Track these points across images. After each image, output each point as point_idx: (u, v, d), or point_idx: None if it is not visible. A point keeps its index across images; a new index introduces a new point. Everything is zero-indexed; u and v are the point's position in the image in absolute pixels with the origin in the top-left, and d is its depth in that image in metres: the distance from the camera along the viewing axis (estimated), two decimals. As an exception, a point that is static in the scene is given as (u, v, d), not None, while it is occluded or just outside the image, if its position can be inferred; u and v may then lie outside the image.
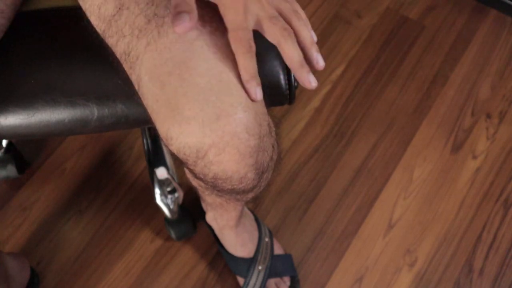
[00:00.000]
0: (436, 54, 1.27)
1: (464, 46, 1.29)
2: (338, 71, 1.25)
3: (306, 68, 0.50)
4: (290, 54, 0.50)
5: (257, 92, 0.50)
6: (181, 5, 0.46)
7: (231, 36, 0.50)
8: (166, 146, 0.53)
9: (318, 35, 1.30)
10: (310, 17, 1.32)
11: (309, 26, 0.53)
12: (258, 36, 0.51)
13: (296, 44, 0.50)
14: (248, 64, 0.49)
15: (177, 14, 0.46)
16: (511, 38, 1.30)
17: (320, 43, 1.28)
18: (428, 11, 1.33)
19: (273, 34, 0.50)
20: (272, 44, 0.52)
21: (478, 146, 1.17)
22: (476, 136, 1.18)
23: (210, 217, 0.99)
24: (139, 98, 0.54)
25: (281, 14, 0.51)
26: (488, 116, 1.20)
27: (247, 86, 0.50)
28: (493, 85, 1.24)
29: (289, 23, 0.51)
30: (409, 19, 1.32)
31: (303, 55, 0.51)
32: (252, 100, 0.50)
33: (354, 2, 1.34)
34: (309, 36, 0.52)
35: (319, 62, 0.52)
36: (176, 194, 1.01)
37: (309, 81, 0.50)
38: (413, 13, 1.33)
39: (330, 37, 1.29)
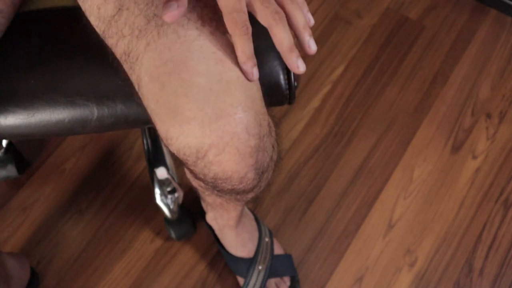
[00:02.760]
0: (436, 54, 1.27)
1: (464, 46, 1.29)
2: (338, 71, 1.25)
3: (295, 53, 0.49)
4: (280, 37, 0.49)
5: (254, 73, 0.50)
6: None
7: (227, 19, 0.49)
8: (166, 146, 0.53)
9: (318, 35, 1.30)
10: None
11: (306, 9, 0.52)
12: (258, 36, 0.51)
13: (287, 27, 0.49)
14: (244, 45, 0.49)
15: (166, 3, 0.47)
16: (511, 38, 1.29)
17: (320, 43, 1.28)
18: (428, 11, 1.33)
19: (264, 17, 0.49)
20: (272, 44, 0.52)
21: (478, 146, 1.17)
22: (476, 136, 1.18)
23: (210, 217, 0.99)
24: (139, 98, 0.54)
25: None
26: (488, 116, 1.20)
27: (244, 67, 0.50)
28: (493, 85, 1.24)
29: (282, 6, 0.50)
30: (409, 19, 1.32)
31: (295, 39, 0.51)
32: (249, 80, 0.50)
33: (354, 2, 1.34)
34: (303, 19, 0.51)
35: (311, 46, 0.51)
36: (176, 194, 1.01)
37: (297, 65, 0.49)
38: (413, 13, 1.33)
39: (330, 37, 1.29)
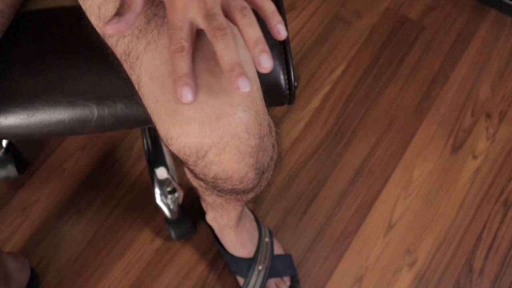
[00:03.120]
0: (436, 54, 1.27)
1: (464, 46, 1.29)
2: (338, 71, 1.25)
3: (236, 71, 0.45)
4: (220, 55, 0.46)
5: (183, 93, 0.46)
6: (122, 5, 0.46)
7: (167, 34, 0.48)
8: (166, 146, 0.53)
9: (318, 35, 1.30)
10: (310, 17, 1.32)
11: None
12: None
13: (230, 45, 0.46)
14: (178, 64, 0.47)
15: (112, 16, 0.46)
16: (511, 38, 1.30)
17: (320, 43, 1.28)
18: (428, 11, 1.33)
19: (207, 33, 0.47)
20: (272, 44, 0.52)
21: (478, 146, 1.17)
22: (476, 136, 1.18)
23: (210, 217, 0.99)
24: (139, 98, 0.54)
25: (228, 9, 0.48)
26: (488, 116, 1.20)
27: (174, 84, 0.47)
28: (493, 85, 1.24)
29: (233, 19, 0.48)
30: (409, 19, 1.32)
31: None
32: (183, 102, 0.46)
33: (354, 2, 1.34)
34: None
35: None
36: (176, 194, 1.01)
37: (237, 85, 0.45)
38: (413, 13, 1.33)
39: (330, 37, 1.29)
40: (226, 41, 0.46)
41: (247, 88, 0.45)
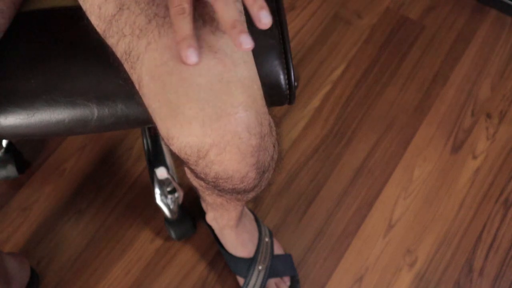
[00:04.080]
0: (436, 54, 1.27)
1: (464, 46, 1.29)
2: (338, 71, 1.25)
3: (238, 28, 0.45)
4: (220, 13, 0.46)
5: (188, 55, 0.47)
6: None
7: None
8: (167, 146, 0.53)
9: (318, 35, 1.30)
10: (310, 17, 1.32)
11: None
12: (258, 36, 0.51)
13: (229, 2, 0.46)
14: (178, 25, 0.47)
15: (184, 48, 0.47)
16: (511, 38, 1.30)
17: (320, 43, 1.28)
18: (428, 11, 1.34)
19: None
20: (272, 44, 0.52)
21: (478, 146, 1.17)
22: (476, 136, 1.18)
23: (210, 217, 0.99)
24: (140, 98, 0.54)
25: None
26: (488, 116, 1.20)
27: (178, 47, 0.47)
28: (493, 85, 1.24)
29: None
30: (409, 19, 1.32)
31: (241, 15, 0.47)
32: (184, 63, 0.47)
33: (354, 2, 1.34)
34: None
35: (262, 19, 0.46)
36: (176, 194, 1.01)
37: (240, 42, 0.45)
38: (413, 13, 1.33)
39: (330, 37, 1.29)
40: (226, 1, 0.46)
41: (250, 44, 0.45)
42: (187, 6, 0.47)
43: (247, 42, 0.45)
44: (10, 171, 1.10)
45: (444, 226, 1.09)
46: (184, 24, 0.47)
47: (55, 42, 0.66)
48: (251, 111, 0.50)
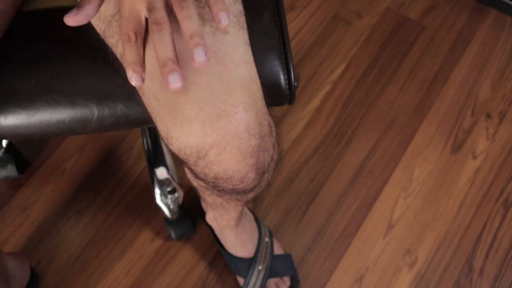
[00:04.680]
0: (436, 54, 1.27)
1: (464, 46, 1.29)
2: (338, 71, 1.25)
3: (168, 67, 0.45)
4: (155, 49, 0.46)
5: (133, 79, 0.47)
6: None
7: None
8: (167, 146, 0.53)
9: (318, 35, 1.30)
10: (310, 17, 1.32)
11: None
12: (258, 36, 0.51)
13: (164, 39, 0.46)
14: (125, 52, 0.48)
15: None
16: (511, 38, 1.30)
17: (320, 43, 1.28)
18: (428, 11, 1.33)
19: (149, 27, 0.47)
20: (272, 44, 0.52)
21: (478, 146, 1.17)
22: (476, 136, 1.18)
23: (210, 217, 0.99)
24: (140, 98, 0.54)
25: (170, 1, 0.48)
26: (488, 116, 1.20)
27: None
28: (493, 85, 1.24)
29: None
30: (409, 19, 1.32)
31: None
32: (132, 84, 0.48)
33: (354, 2, 1.34)
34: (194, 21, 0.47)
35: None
36: (176, 194, 1.01)
37: (167, 81, 0.45)
38: (413, 13, 1.33)
39: (330, 37, 1.29)
40: (161, 35, 0.46)
41: (179, 83, 0.45)
42: (132, 35, 0.48)
43: (175, 82, 0.45)
44: (10, 171, 1.10)
45: (444, 226, 1.09)
46: (131, 51, 0.48)
47: (55, 42, 0.66)
48: (251, 111, 0.50)
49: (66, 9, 0.69)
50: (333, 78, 1.24)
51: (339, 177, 1.14)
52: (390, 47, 1.28)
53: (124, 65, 0.48)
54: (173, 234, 1.05)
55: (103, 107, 0.65)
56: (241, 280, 1.01)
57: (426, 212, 1.11)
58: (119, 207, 1.11)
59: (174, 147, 0.52)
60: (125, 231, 1.09)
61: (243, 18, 0.55)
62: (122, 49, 0.48)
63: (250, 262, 0.98)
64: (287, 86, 0.67)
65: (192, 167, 0.53)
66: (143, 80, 0.47)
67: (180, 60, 0.49)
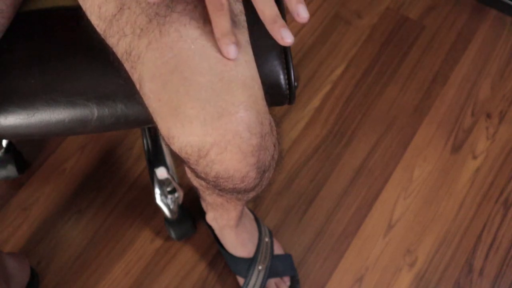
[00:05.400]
0: (436, 54, 1.27)
1: (464, 46, 1.29)
2: (338, 71, 1.25)
3: (278, 23, 0.47)
4: (260, 9, 0.47)
5: (230, 51, 0.49)
6: None
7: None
8: (167, 146, 0.53)
9: (318, 35, 1.30)
10: (310, 17, 1.32)
11: None
12: (258, 36, 0.51)
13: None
14: (218, 21, 0.48)
15: None
16: (511, 38, 1.30)
17: (320, 43, 1.28)
18: (428, 11, 1.34)
19: None
20: (272, 44, 0.52)
21: (478, 146, 1.17)
22: (476, 136, 1.18)
23: (210, 217, 0.99)
24: (141, 97, 0.54)
25: None
26: (488, 116, 1.20)
27: (219, 43, 0.49)
28: (493, 85, 1.24)
29: None
30: (409, 19, 1.32)
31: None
32: (226, 57, 0.49)
33: (354, 2, 1.34)
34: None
35: (300, 14, 0.47)
36: (176, 194, 1.01)
37: (281, 36, 0.46)
38: (413, 13, 1.33)
39: (330, 37, 1.29)
40: None
41: (290, 38, 0.46)
42: (225, 2, 0.48)
43: (288, 36, 0.46)
44: (10, 171, 1.10)
45: (444, 226, 1.09)
46: (223, 20, 0.48)
47: (55, 42, 0.66)
48: (252, 111, 0.50)
49: (66, 9, 0.69)
50: (333, 78, 1.24)
51: (339, 177, 1.14)
52: (390, 47, 1.28)
53: (215, 37, 0.49)
54: (173, 234, 1.05)
55: (103, 107, 0.65)
56: (241, 280, 1.01)
57: (426, 212, 1.11)
58: (119, 207, 1.11)
59: (175, 147, 0.51)
60: (125, 231, 1.09)
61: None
62: (211, 18, 0.48)
63: (250, 262, 0.98)
64: (287, 86, 0.67)
65: (193, 167, 0.53)
66: (237, 52, 0.49)
67: (180, 60, 0.49)
